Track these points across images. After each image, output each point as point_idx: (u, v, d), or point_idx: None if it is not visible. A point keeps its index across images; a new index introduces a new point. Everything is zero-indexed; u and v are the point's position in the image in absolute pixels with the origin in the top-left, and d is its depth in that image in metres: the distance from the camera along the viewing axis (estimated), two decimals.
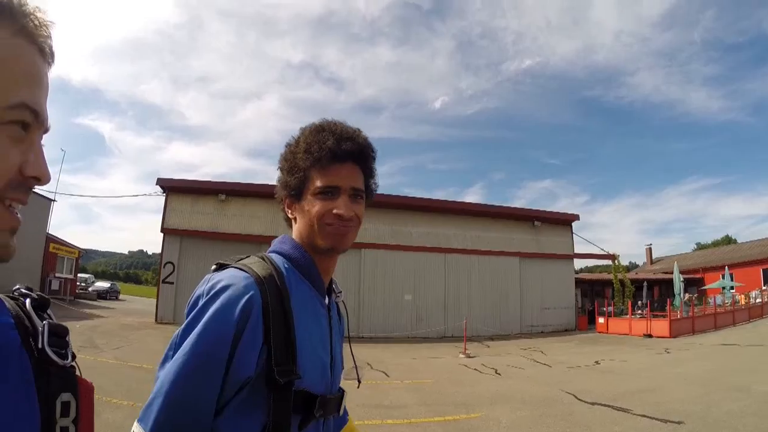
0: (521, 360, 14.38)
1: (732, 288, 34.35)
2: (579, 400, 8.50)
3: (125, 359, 11.28)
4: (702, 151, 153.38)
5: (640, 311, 24.70)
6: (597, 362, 13.64)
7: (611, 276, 29.10)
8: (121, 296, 45.21)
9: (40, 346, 0.68)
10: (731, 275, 36.13)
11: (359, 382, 1.58)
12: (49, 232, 29.27)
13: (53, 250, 29.97)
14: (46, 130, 0.68)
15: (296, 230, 1.31)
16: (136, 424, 0.97)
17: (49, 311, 0.77)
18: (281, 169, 1.33)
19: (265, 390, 1.04)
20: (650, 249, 50.71)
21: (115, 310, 27.25)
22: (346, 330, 1.49)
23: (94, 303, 32.15)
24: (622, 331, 23.06)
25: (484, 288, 24.32)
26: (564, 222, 27.35)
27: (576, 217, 27.48)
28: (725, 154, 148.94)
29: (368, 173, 1.34)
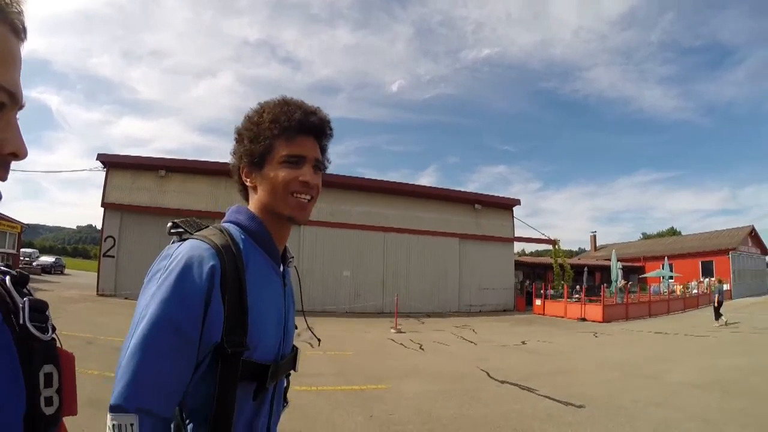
0: (449, 337, 14.20)
1: (671, 278, 35.18)
2: (490, 377, 8.37)
3: (63, 329, 10.52)
4: (654, 146, 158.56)
5: (577, 295, 24.77)
6: (524, 342, 13.47)
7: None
8: (67, 271, 44.00)
9: (21, 321, 0.70)
10: (671, 265, 36.93)
11: (319, 340, 1.68)
12: None
13: None
14: (21, 107, 0.66)
15: (256, 199, 1.29)
16: (109, 414, 0.95)
17: (28, 287, 0.78)
18: (240, 138, 1.31)
19: (215, 359, 1.04)
20: (594, 236, 51.77)
21: (58, 284, 26.39)
22: (298, 295, 1.48)
23: (38, 278, 31.13)
24: (557, 314, 23.01)
25: (423, 267, 24.17)
26: (506, 206, 27.40)
27: (517, 202, 27.53)
28: (677, 150, 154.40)
29: (323, 149, 1.35)
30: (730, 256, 36.40)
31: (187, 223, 1.20)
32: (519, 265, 34.92)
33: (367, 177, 25.15)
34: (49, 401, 0.70)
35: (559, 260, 28.03)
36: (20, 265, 31.62)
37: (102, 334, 10.24)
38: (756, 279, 39.87)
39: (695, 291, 30.91)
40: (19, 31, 0.65)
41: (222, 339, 1.02)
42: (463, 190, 27.90)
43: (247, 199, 1.34)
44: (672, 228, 69.34)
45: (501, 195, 28.40)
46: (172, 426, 1.06)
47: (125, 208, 21.36)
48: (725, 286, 23.20)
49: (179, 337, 0.99)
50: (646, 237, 59.71)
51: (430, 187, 27.38)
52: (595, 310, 21.36)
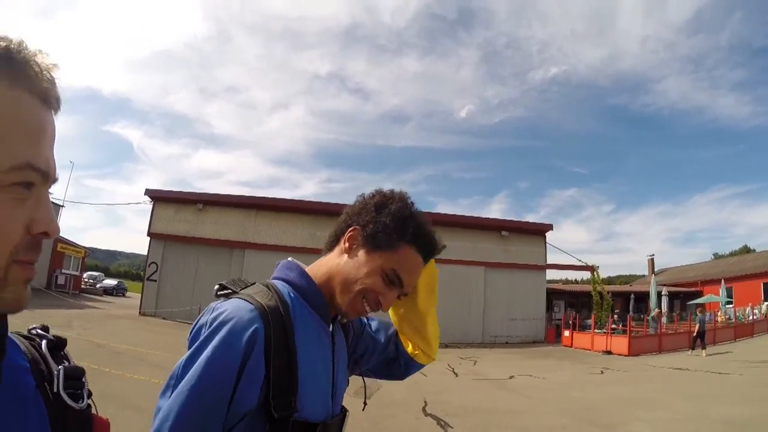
0: (437, 367, 13.06)
1: (729, 303, 31.97)
2: (424, 409, 8.07)
3: (87, 336, 12.35)
4: (730, 158, 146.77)
5: (615, 325, 22.99)
6: (511, 377, 12.60)
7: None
8: (129, 293, 45.68)
9: (55, 390, 0.67)
10: (729, 289, 33.56)
11: (365, 403, 1.47)
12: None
13: (60, 249, 31.49)
14: (54, 181, 0.62)
15: (334, 262, 1.22)
16: None
17: (65, 351, 0.75)
18: (380, 209, 1.21)
19: (262, 422, 1.00)
20: (652, 260, 47.65)
21: (112, 304, 27.92)
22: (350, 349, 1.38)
23: (98, 298, 32.87)
24: (584, 347, 21.13)
25: (444, 297, 22.50)
26: (537, 232, 25.95)
27: (549, 227, 26.06)
28: (754, 160, 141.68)
29: None
30: None
31: (233, 283, 1.14)
32: (563, 294, 33.08)
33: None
34: None
35: (599, 287, 25.98)
36: (82, 286, 34.67)
37: (120, 343, 11.98)
38: None
39: (751, 316, 27.83)
40: (50, 102, 0.61)
41: (267, 403, 0.99)
42: (488, 216, 27.15)
43: (330, 248, 1.27)
44: (745, 246, 62.80)
45: (533, 221, 27.32)
46: None
47: (168, 238, 23.23)
48: (709, 316, 20.32)
49: (212, 406, 0.95)
50: (717, 257, 54.73)
51: (453, 214, 26.51)
52: (620, 343, 19.45)
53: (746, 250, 56.72)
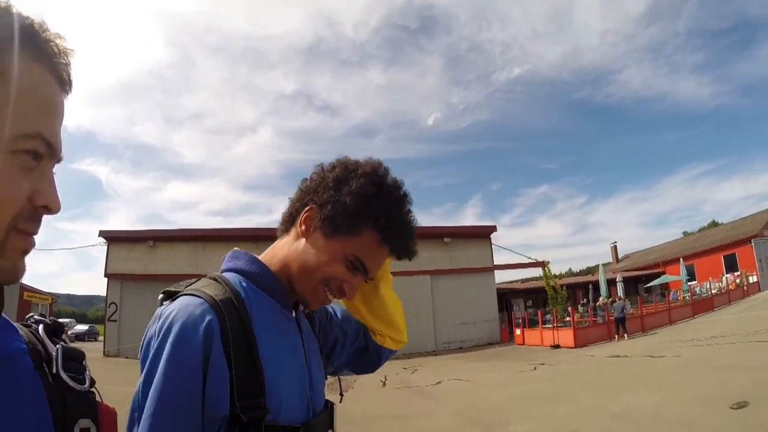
0: (371, 378, 11.62)
1: (690, 281, 31.01)
2: None
3: None
4: (696, 138, 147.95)
5: (569, 318, 21.89)
6: (439, 382, 11.84)
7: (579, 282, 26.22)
8: (100, 338, 47.30)
9: (54, 371, 0.63)
10: (688, 267, 32.55)
11: (341, 395, 1.24)
12: (24, 282, 30.47)
13: (27, 297, 31.07)
14: (59, 160, 0.63)
15: (290, 247, 1.06)
16: None
17: (63, 336, 0.71)
18: (338, 187, 1.02)
19: (231, 429, 0.84)
20: (615, 247, 46.79)
21: (83, 349, 27.41)
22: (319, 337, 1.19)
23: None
24: (535, 342, 20.00)
25: None
26: (481, 235, 25.22)
27: (493, 229, 25.41)
28: (719, 138, 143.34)
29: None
30: (752, 244, 30.47)
31: (176, 285, 0.97)
32: (520, 292, 32.05)
33: None
34: None
35: (551, 282, 24.94)
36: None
37: None
38: None
39: (710, 291, 26.74)
40: (65, 83, 0.62)
41: (235, 407, 0.82)
42: (429, 225, 25.79)
43: (285, 230, 1.09)
44: (713, 222, 61.67)
45: (476, 224, 26.69)
46: None
47: (123, 277, 22.92)
48: (623, 304, 18.95)
49: (182, 420, 0.80)
50: (686, 235, 53.98)
51: None
52: (567, 336, 18.22)
53: (714, 225, 56.07)
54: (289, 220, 1.09)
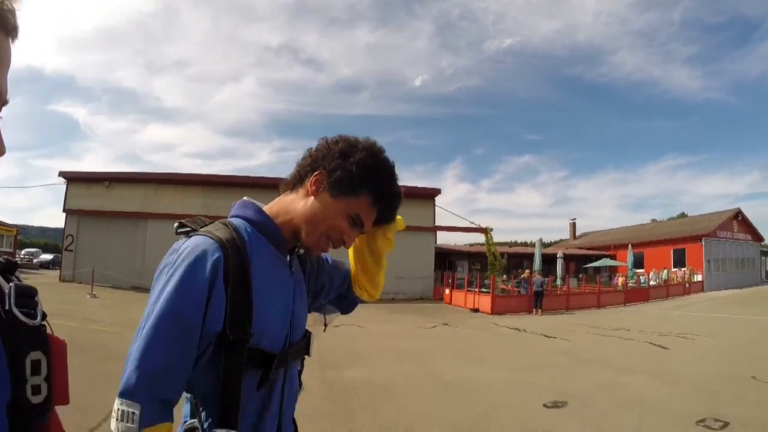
0: None
1: (639, 269, 30.77)
2: None
3: None
4: (683, 129, 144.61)
5: (504, 285, 21.64)
6: (337, 326, 11.69)
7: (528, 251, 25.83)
8: None
9: (6, 307, 0.63)
10: (640, 254, 32.21)
11: (325, 326, 1.62)
12: None
13: None
14: (4, 103, 0.61)
15: (297, 203, 1.20)
16: (117, 399, 0.92)
17: (17, 273, 0.71)
18: (344, 158, 1.17)
19: (221, 348, 0.99)
20: (574, 224, 46.62)
21: (42, 275, 27.98)
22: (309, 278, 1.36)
23: (33, 272, 32.63)
24: (459, 304, 19.95)
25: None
26: (425, 196, 25.18)
27: (437, 192, 25.39)
28: (705, 132, 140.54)
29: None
30: (703, 242, 30.25)
31: (192, 221, 1.14)
32: (465, 254, 31.74)
33: (266, 177, 23.35)
34: (36, 389, 0.63)
35: (492, 249, 24.65)
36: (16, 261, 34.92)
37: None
38: (744, 269, 33.01)
39: (646, 282, 26.45)
40: (8, 30, 0.59)
41: (224, 328, 0.98)
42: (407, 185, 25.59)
43: (292, 188, 1.24)
44: (683, 213, 61.43)
45: (421, 185, 26.08)
46: (187, 410, 1.07)
47: (81, 213, 24.48)
48: (543, 280, 18.76)
49: (184, 329, 0.96)
50: (654, 222, 53.60)
51: None
52: (486, 301, 17.98)
53: (683, 215, 55.69)
54: (297, 181, 1.22)
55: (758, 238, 35.61)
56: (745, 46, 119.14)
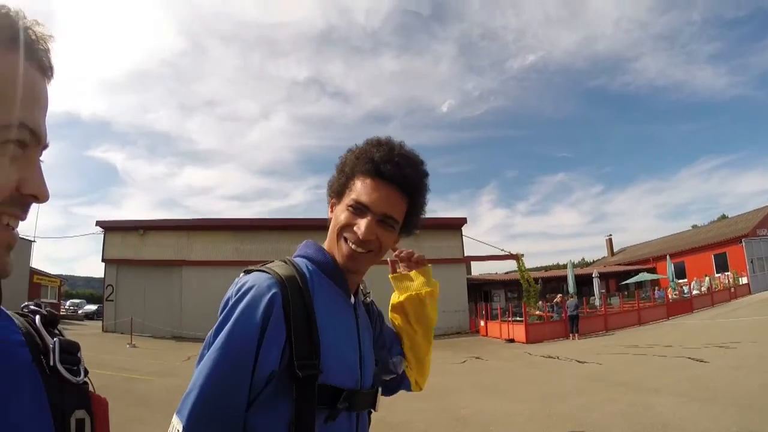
0: None
1: (682, 279, 29.48)
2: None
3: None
4: (712, 129, 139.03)
5: (539, 312, 21.05)
6: None
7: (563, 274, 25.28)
8: None
9: (51, 363, 0.62)
10: (681, 264, 30.81)
11: (397, 374, 1.38)
12: (33, 266, 31.44)
13: (37, 281, 32.26)
14: (45, 147, 0.61)
15: (328, 233, 1.19)
16: (174, 416, 0.93)
17: (59, 327, 0.71)
18: (338, 167, 1.19)
19: (289, 384, 0.96)
20: (610, 240, 44.59)
21: (86, 326, 28.60)
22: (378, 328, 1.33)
23: (77, 322, 33.53)
24: (495, 335, 19.35)
25: None
26: (451, 226, 24.80)
27: (464, 221, 24.97)
28: (735, 130, 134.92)
29: (414, 207, 1.17)
30: (743, 243, 28.53)
31: (256, 267, 1.09)
32: (500, 284, 31.14)
33: (290, 218, 24.29)
34: None
35: (526, 275, 24.11)
36: (61, 312, 34.96)
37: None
38: None
39: (693, 292, 25.21)
40: (45, 70, 0.60)
41: (290, 365, 0.95)
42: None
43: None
44: (723, 215, 58.64)
45: (447, 216, 26.08)
46: None
47: (119, 262, 24.25)
48: (576, 302, 18.10)
49: (238, 367, 0.93)
50: (695, 229, 51.28)
51: None
52: (519, 331, 17.48)
53: (723, 218, 53.34)
54: (329, 220, 1.18)
55: None
56: (767, 37, 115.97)
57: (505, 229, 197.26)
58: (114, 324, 22.91)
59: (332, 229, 1.14)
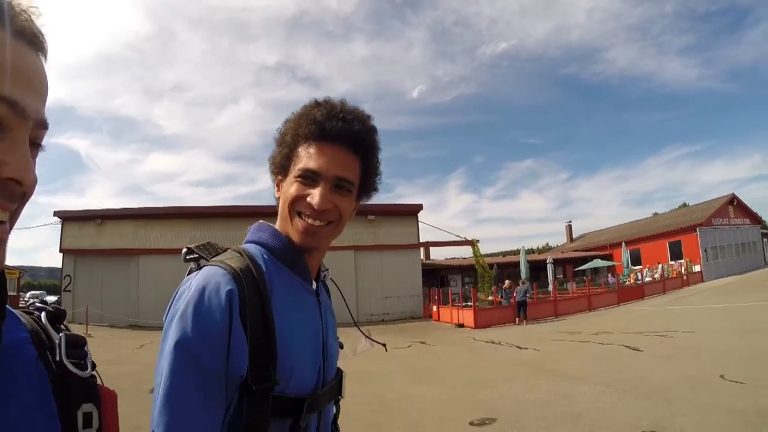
0: None
1: (636, 266, 29.79)
2: None
3: None
4: (680, 120, 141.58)
5: (492, 297, 20.88)
6: None
7: (519, 260, 25.15)
8: None
9: (57, 358, 0.61)
10: (637, 251, 31.23)
11: (384, 345, 1.44)
12: None
13: None
14: (43, 128, 0.54)
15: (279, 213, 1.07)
16: None
17: (65, 323, 0.68)
18: (275, 142, 1.08)
19: (240, 396, 0.84)
20: (570, 226, 45.13)
21: None
22: (341, 307, 1.28)
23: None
24: (446, 320, 19.18)
25: None
26: (408, 213, 24.50)
27: (420, 207, 24.57)
28: (703, 121, 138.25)
29: (368, 166, 1.05)
30: (698, 232, 28.77)
31: (202, 248, 0.97)
32: (457, 269, 31.00)
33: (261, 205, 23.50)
34: None
35: (481, 261, 23.97)
36: (20, 304, 33.94)
37: None
38: (745, 254, 31.34)
39: (644, 278, 25.46)
40: (34, 42, 0.52)
41: (246, 374, 0.82)
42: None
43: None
44: (684, 204, 59.71)
45: (403, 202, 25.84)
46: None
47: (76, 252, 23.86)
48: (526, 288, 18.09)
49: (205, 378, 0.80)
50: (655, 216, 52.01)
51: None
52: (468, 316, 17.23)
53: (684, 206, 54.30)
54: (276, 199, 1.08)
55: (757, 221, 34.23)
56: (737, 32, 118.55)
57: (471, 213, 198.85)
58: (72, 314, 21.80)
59: (282, 206, 1.02)
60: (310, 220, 0.97)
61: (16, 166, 0.49)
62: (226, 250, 0.97)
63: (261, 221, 1.08)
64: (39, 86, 0.53)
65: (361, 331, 1.32)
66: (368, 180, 1.06)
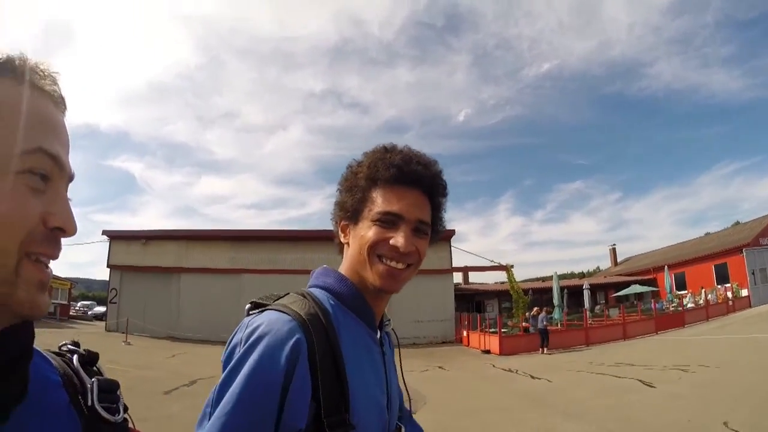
0: None
1: (683, 290, 28.27)
2: None
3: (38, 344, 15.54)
4: (730, 133, 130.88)
5: (525, 323, 20.46)
6: None
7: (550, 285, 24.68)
8: None
9: (89, 403, 0.61)
10: (675, 275, 29.33)
11: (409, 401, 1.26)
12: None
13: None
14: (70, 179, 0.58)
15: (347, 258, 1.04)
16: None
17: (98, 365, 0.69)
18: (339, 189, 1.07)
19: None
20: (614, 249, 42.66)
21: (93, 326, 29.17)
22: (397, 359, 1.17)
23: (85, 323, 33.91)
24: (475, 345, 18.99)
25: None
26: (440, 238, 24.15)
27: (452, 233, 24.21)
28: (753, 133, 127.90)
29: (436, 207, 1.06)
30: (744, 253, 26.40)
31: (265, 298, 0.93)
32: (493, 294, 30.46)
33: (294, 230, 24.55)
34: None
35: (515, 286, 23.55)
36: (71, 313, 37.05)
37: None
38: None
39: (681, 305, 24.01)
40: (57, 101, 0.58)
41: (322, 423, 0.80)
42: None
43: (341, 253, 1.08)
44: (737, 222, 56.52)
45: (474, 223, 25.87)
46: None
47: (123, 268, 25.74)
48: (545, 316, 17.22)
49: (257, 424, 0.75)
50: (707, 236, 48.95)
51: None
52: (494, 342, 17.03)
53: (736, 224, 50.92)
54: (338, 244, 1.08)
55: None
56: None
57: (521, 237, 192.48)
58: (116, 324, 23.84)
59: (358, 250, 0.98)
60: (392, 263, 0.96)
61: (61, 216, 0.55)
62: (287, 294, 0.95)
63: (325, 266, 1.06)
64: (67, 142, 0.58)
65: (408, 393, 1.24)
66: (438, 221, 1.07)
